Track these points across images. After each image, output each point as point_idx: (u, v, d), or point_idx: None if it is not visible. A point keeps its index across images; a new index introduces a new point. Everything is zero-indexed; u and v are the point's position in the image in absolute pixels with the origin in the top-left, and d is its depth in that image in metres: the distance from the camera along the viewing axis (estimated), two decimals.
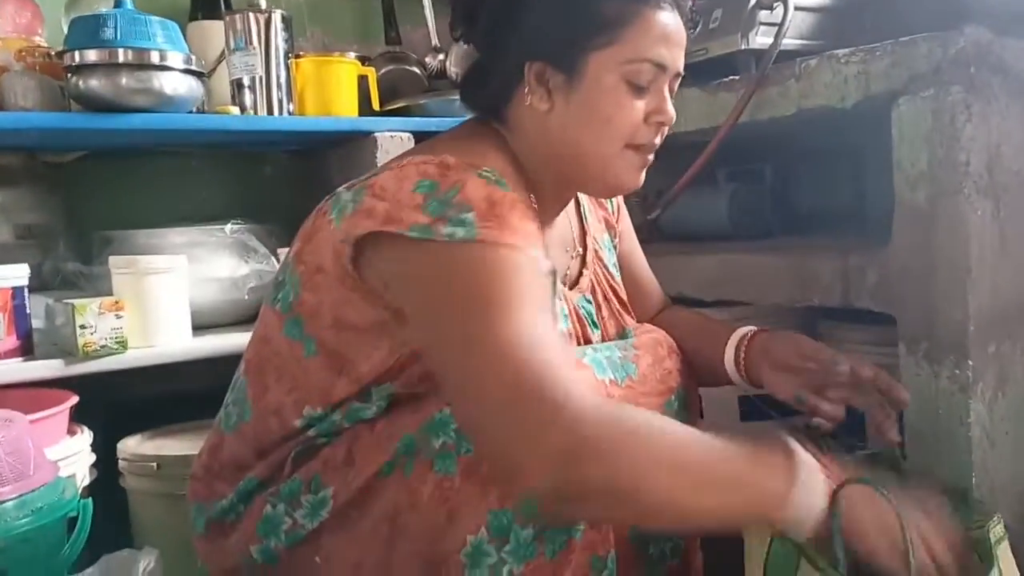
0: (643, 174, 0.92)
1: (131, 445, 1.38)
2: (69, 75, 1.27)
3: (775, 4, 1.29)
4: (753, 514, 0.72)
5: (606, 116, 0.86)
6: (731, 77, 1.30)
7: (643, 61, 0.85)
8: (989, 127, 1.02)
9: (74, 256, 1.47)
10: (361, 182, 0.84)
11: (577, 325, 0.93)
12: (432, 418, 0.80)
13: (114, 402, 1.49)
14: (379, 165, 0.91)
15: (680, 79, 0.92)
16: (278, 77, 1.46)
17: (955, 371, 1.03)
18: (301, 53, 1.51)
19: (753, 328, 1.04)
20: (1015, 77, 1.04)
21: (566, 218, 1.01)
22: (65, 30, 1.34)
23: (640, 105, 0.86)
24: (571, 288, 0.98)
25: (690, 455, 0.70)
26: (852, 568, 0.80)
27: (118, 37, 1.25)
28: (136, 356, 1.31)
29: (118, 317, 1.28)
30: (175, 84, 1.28)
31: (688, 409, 1.00)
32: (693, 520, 0.74)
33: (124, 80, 1.26)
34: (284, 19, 1.47)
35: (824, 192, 1.63)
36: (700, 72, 1.37)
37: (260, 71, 1.44)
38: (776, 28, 1.27)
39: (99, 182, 1.63)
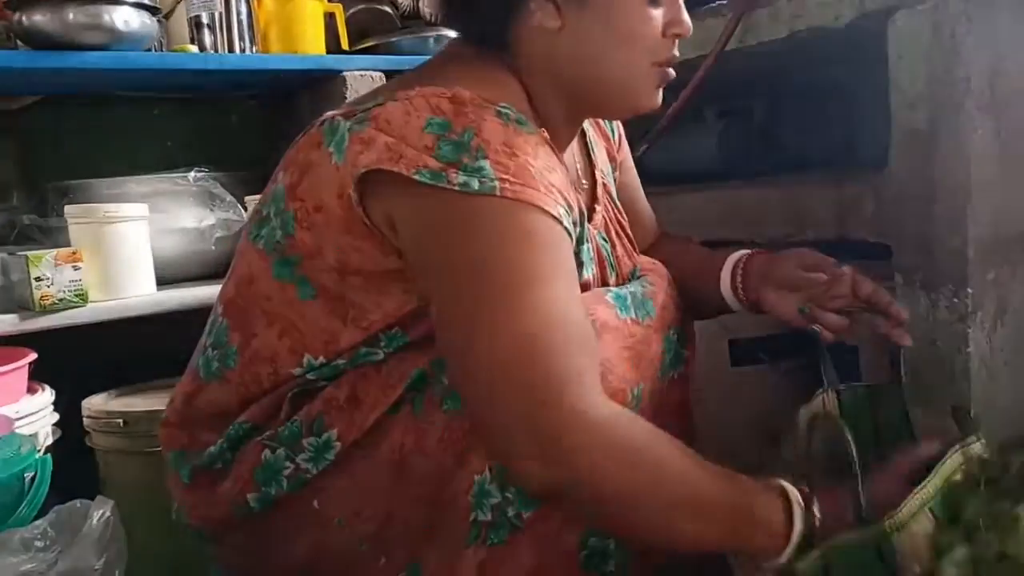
0: (661, 93, 0.86)
1: (96, 403, 1.33)
2: (12, 11, 1.19)
3: None
4: (742, 543, 0.72)
5: (627, 31, 0.80)
6: (719, 2, 1.24)
7: None
8: (991, 40, 0.96)
9: (29, 209, 1.40)
10: (363, 110, 0.75)
11: (597, 269, 0.87)
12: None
13: (81, 361, 1.44)
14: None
15: None
16: (239, 14, 1.39)
17: (953, 300, 0.99)
18: None
19: (747, 251, 0.99)
20: None
21: (570, 150, 0.93)
22: None
23: (659, 16, 0.81)
24: (590, 223, 0.91)
25: (687, 491, 0.70)
26: None
27: None
28: (97, 310, 1.25)
29: (76, 269, 1.22)
30: (127, 18, 1.21)
31: (685, 344, 0.96)
32: (680, 548, 0.74)
33: (71, 15, 1.18)
34: None
35: (816, 129, 1.58)
36: None
37: (220, 8, 1.36)
38: None
39: (54, 130, 1.56)
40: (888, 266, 1.06)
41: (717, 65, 1.21)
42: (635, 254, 1.00)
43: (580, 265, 0.81)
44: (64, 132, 1.56)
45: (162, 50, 1.37)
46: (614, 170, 1.05)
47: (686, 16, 0.84)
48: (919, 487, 0.76)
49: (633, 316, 0.84)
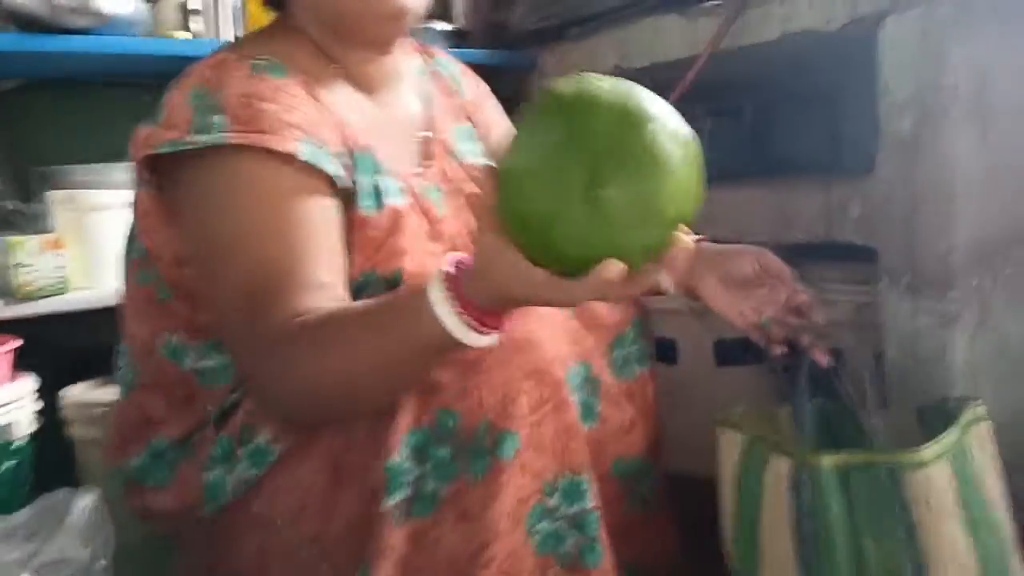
0: None
1: (76, 393, 1.31)
2: None
3: None
4: (422, 351, 0.67)
5: None
6: (712, 2, 1.24)
7: None
8: (979, 48, 0.97)
9: (12, 194, 1.38)
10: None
11: (420, 199, 0.88)
12: None
13: (62, 349, 1.42)
14: None
15: None
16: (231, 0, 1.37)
17: (937, 305, 1.00)
18: None
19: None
20: None
21: (410, 104, 0.95)
22: None
23: None
24: (416, 175, 0.91)
25: (353, 329, 0.68)
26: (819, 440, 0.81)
27: None
28: (79, 298, 1.23)
29: (58, 256, 1.20)
30: (116, 3, 1.19)
31: (648, 337, 0.96)
32: (377, 388, 0.72)
33: None
34: None
35: (805, 131, 1.59)
36: None
37: None
38: None
39: (40, 114, 1.52)
40: (874, 269, 1.08)
41: (709, 65, 1.21)
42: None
43: (380, 191, 0.83)
44: (49, 116, 1.53)
45: (151, 35, 1.35)
46: (472, 128, 1.02)
47: None
48: (943, 435, 0.78)
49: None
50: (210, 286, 0.78)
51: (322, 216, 0.76)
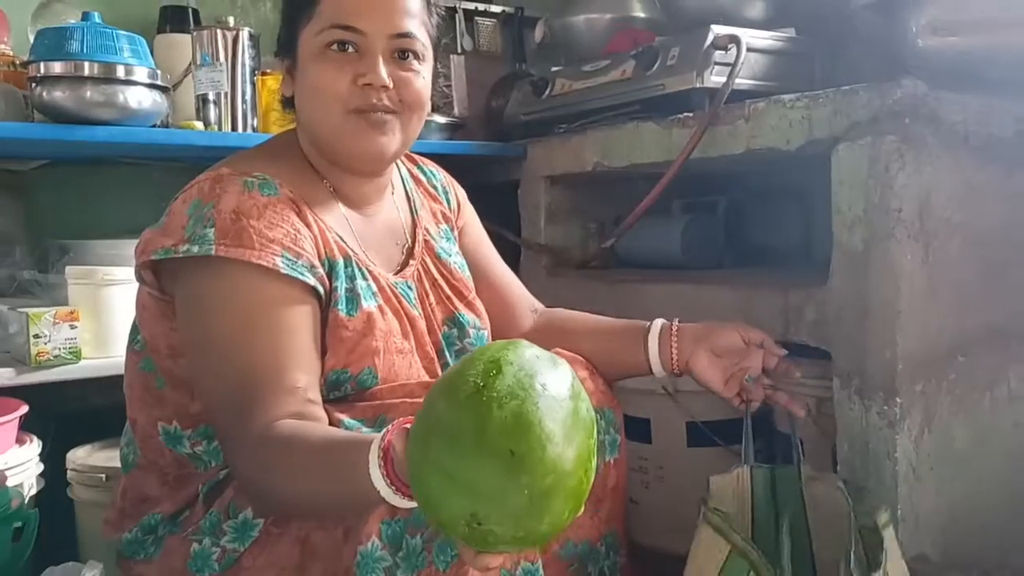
0: (384, 138, 0.94)
1: (80, 456, 1.38)
2: (33, 85, 1.27)
3: (729, 45, 1.34)
4: (364, 499, 0.72)
5: (313, 84, 0.93)
6: (686, 114, 1.35)
7: (335, 27, 0.91)
8: (921, 175, 1.07)
9: (31, 264, 1.46)
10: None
11: (395, 303, 0.97)
12: None
13: (66, 412, 1.49)
14: None
15: (414, 45, 0.94)
16: (243, 94, 1.48)
17: (884, 407, 1.08)
18: (268, 71, 1.53)
19: (666, 320, 1.06)
20: (947, 128, 1.09)
21: (395, 209, 1.06)
22: (31, 39, 1.34)
23: (343, 69, 0.92)
24: (395, 274, 1.01)
25: (310, 461, 0.76)
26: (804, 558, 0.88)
27: (84, 50, 1.26)
28: (89, 366, 1.31)
29: (72, 327, 1.29)
30: (140, 98, 1.30)
31: (618, 429, 1.02)
32: (323, 512, 0.82)
33: (88, 93, 1.26)
34: (251, 36, 1.49)
35: (773, 228, 1.69)
36: (657, 106, 1.42)
37: (226, 87, 1.45)
38: (730, 68, 1.32)
39: (59, 191, 1.63)
40: (831, 367, 1.16)
41: (684, 166, 1.31)
42: (458, 302, 1.06)
43: (357, 295, 0.92)
44: (67, 192, 1.63)
45: (168, 123, 1.45)
46: (451, 231, 1.13)
47: (380, 69, 0.92)
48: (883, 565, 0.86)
49: None
50: (199, 381, 0.88)
51: (299, 322, 0.86)
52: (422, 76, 0.96)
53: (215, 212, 0.86)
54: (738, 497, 1.04)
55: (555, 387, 0.61)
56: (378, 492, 0.68)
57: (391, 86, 0.92)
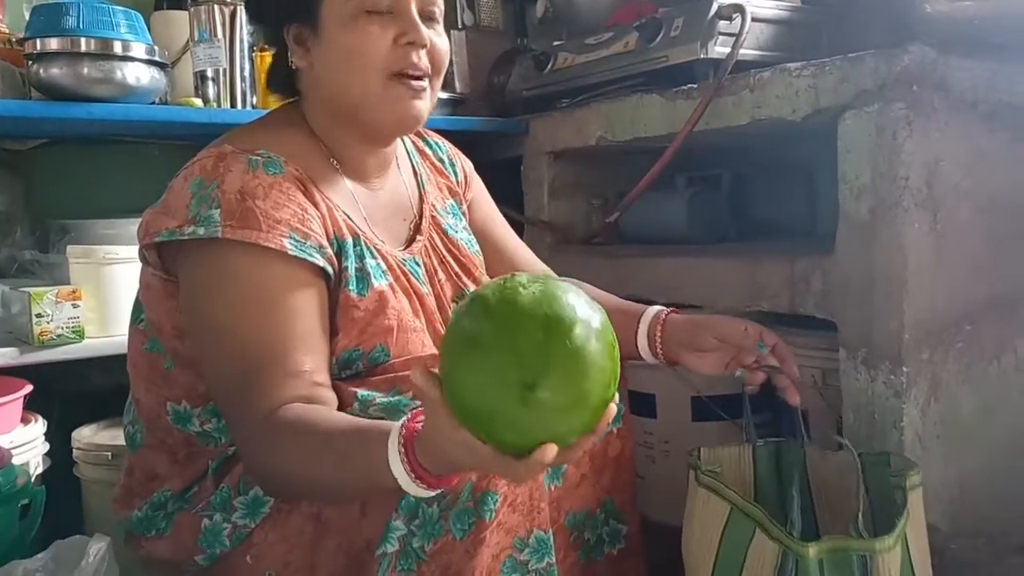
0: (421, 105, 0.93)
1: (86, 434, 1.38)
2: (30, 62, 1.26)
3: (734, 15, 1.33)
4: (378, 487, 0.72)
5: (351, 48, 0.89)
6: (690, 85, 1.33)
7: None
8: (929, 143, 1.06)
9: (32, 244, 1.46)
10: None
11: (404, 280, 0.96)
12: (349, 411, 0.84)
13: (71, 391, 1.49)
14: None
15: (439, 2, 0.93)
16: (242, 70, 1.46)
17: (890, 377, 1.07)
18: (266, 47, 1.51)
19: (662, 309, 1.04)
20: (956, 95, 1.08)
21: (402, 184, 1.04)
22: (27, 17, 1.33)
23: (384, 29, 0.89)
24: (403, 250, 1.00)
25: (318, 447, 0.75)
26: (810, 532, 0.86)
27: (80, 26, 1.25)
28: (92, 346, 1.31)
29: (75, 306, 1.28)
30: (137, 74, 1.28)
31: (622, 399, 1.02)
32: (329, 497, 0.82)
33: (86, 69, 1.25)
34: None
35: (778, 201, 1.67)
36: (661, 79, 1.41)
37: (224, 63, 1.44)
38: (734, 39, 1.31)
39: (59, 170, 1.62)
40: (835, 339, 1.15)
41: (688, 138, 1.30)
42: (466, 279, 1.05)
43: (367, 274, 0.91)
44: (67, 172, 1.62)
45: (167, 100, 1.44)
46: (459, 205, 1.11)
47: (419, 26, 0.90)
48: (901, 520, 0.86)
49: None
50: (204, 364, 0.87)
51: (306, 304, 0.84)
52: (446, 42, 0.96)
53: (220, 192, 0.84)
54: (741, 473, 1.04)
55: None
56: (396, 480, 0.68)
57: (428, 44, 0.91)
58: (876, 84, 1.06)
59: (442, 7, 0.96)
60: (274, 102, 1.48)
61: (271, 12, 0.95)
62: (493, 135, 1.70)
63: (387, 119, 0.93)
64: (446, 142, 1.16)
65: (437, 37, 0.93)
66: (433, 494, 0.71)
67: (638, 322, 1.03)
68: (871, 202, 1.08)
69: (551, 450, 0.60)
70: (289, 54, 0.94)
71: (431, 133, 1.15)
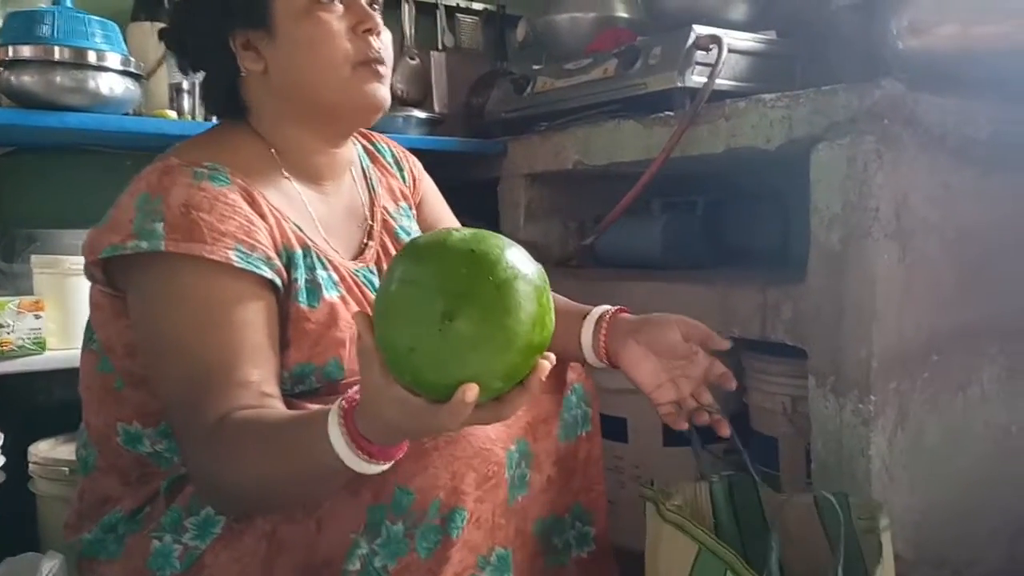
0: (384, 91, 0.93)
1: (43, 449, 1.35)
2: (1, 69, 1.24)
3: (711, 46, 1.35)
4: (325, 472, 0.71)
5: (312, 39, 0.89)
6: (666, 113, 1.35)
7: None
8: (899, 175, 1.08)
9: None
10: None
11: (357, 292, 0.94)
12: None
13: (31, 404, 1.45)
14: None
15: None
16: None
17: (859, 405, 1.08)
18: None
19: (610, 308, 1.00)
20: (925, 129, 1.10)
21: (355, 189, 1.03)
22: (1, 23, 1.31)
23: (340, 21, 0.90)
24: (355, 259, 0.98)
25: (263, 443, 0.74)
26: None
27: (55, 34, 1.24)
28: (53, 358, 1.28)
29: (37, 317, 1.25)
30: (111, 85, 1.27)
31: (589, 402, 1.01)
32: (278, 499, 0.79)
33: (59, 78, 1.24)
34: None
35: (751, 228, 1.69)
36: (638, 105, 1.42)
37: (199, 76, 1.42)
38: (711, 69, 1.32)
39: (28, 178, 1.59)
40: (805, 367, 1.16)
41: (664, 164, 1.31)
42: None
43: (318, 286, 0.89)
44: (37, 180, 1.59)
45: (141, 111, 1.42)
46: (409, 208, 1.10)
47: (372, 13, 0.91)
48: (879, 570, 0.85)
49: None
50: (153, 380, 0.85)
51: (254, 317, 0.83)
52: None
53: (164, 206, 0.82)
54: (697, 509, 1.02)
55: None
56: (337, 456, 0.66)
57: (382, 31, 0.92)
58: (848, 117, 1.08)
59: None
60: None
61: (209, 26, 0.92)
62: (470, 156, 1.70)
63: (357, 105, 0.92)
64: (392, 143, 1.14)
65: (381, 22, 0.94)
66: (376, 469, 0.69)
67: (582, 321, 0.99)
68: (842, 232, 1.09)
69: (472, 390, 0.59)
70: (239, 61, 0.91)
71: (378, 136, 1.14)
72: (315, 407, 0.79)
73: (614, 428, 1.43)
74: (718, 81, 1.31)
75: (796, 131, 1.14)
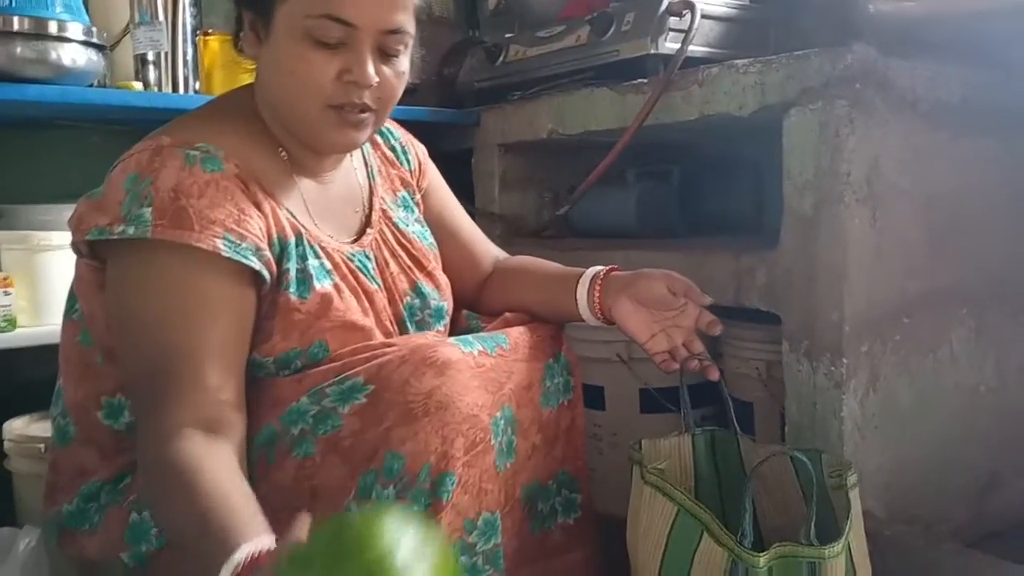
0: (358, 134, 0.89)
1: (17, 427, 1.33)
2: None
3: (684, 11, 1.34)
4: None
5: (289, 69, 0.85)
6: (640, 80, 1.34)
7: (323, 17, 0.82)
8: (870, 140, 1.08)
9: None
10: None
11: (351, 278, 0.93)
12: (289, 408, 0.83)
13: (1, 382, 1.43)
14: None
15: (404, 40, 0.88)
16: (184, 54, 1.43)
17: (831, 368, 1.10)
18: (210, 31, 1.47)
19: (604, 268, 1.02)
20: (897, 94, 1.11)
21: (353, 174, 1.01)
22: None
23: (329, 62, 0.84)
24: (353, 243, 0.97)
25: (186, 510, 0.72)
26: (758, 541, 0.87)
27: (13, 4, 1.20)
28: (24, 335, 1.26)
29: (6, 294, 1.24)
30: (74, 56, 1.24)
31: (571, 371, 1.01)
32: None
33: (19, 49, 1.20)
34: None
35: (726, 195, 1.70)
36: (611, 73, 1.41)
37: (166, 47, 1.40)
38: (684, 35, 1.32)
39: None
40: (779, 332, 1.17)
41: (639, 133, 1.31)
42: (418, 272, 1.03)
43: (309, 276, 0.88)
44: (1, 155, 1.56)
45: (105, 83, 1.39)
46: (412, 196, 1.08)
47: (367, 67, 0.84)
48: (847, 527, 0.87)
49: (480, 348, 0.88)
50: (120, 355, 0.85)
51: (229, 309, 0.82)
52: (404, 72, 0.90)
53: (153, 190, 0.80)
54: (682, 463, 1.05)
55: None
56: None
57: (375, 84, 0.86)
58: (820, 82, 1.08)
59: (413, 30, 0.89)
60: (219, 86, 1.46)
61: None
62: (443, 126, 1.69)
63: (320, 143, 0.90)
64: (400, 128, 1.13)
65: (391, 71, 0.88)
66: None
67: (577, 282, 1.01)
68: (814, 197, 1.10)
69: None
70: (241, 35, 0.89)
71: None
72: (246, 504, 0.72)
73: (592, 396, 1.43)
74: (691, 47, 1.31)
75: (769, 97, 1.14)
